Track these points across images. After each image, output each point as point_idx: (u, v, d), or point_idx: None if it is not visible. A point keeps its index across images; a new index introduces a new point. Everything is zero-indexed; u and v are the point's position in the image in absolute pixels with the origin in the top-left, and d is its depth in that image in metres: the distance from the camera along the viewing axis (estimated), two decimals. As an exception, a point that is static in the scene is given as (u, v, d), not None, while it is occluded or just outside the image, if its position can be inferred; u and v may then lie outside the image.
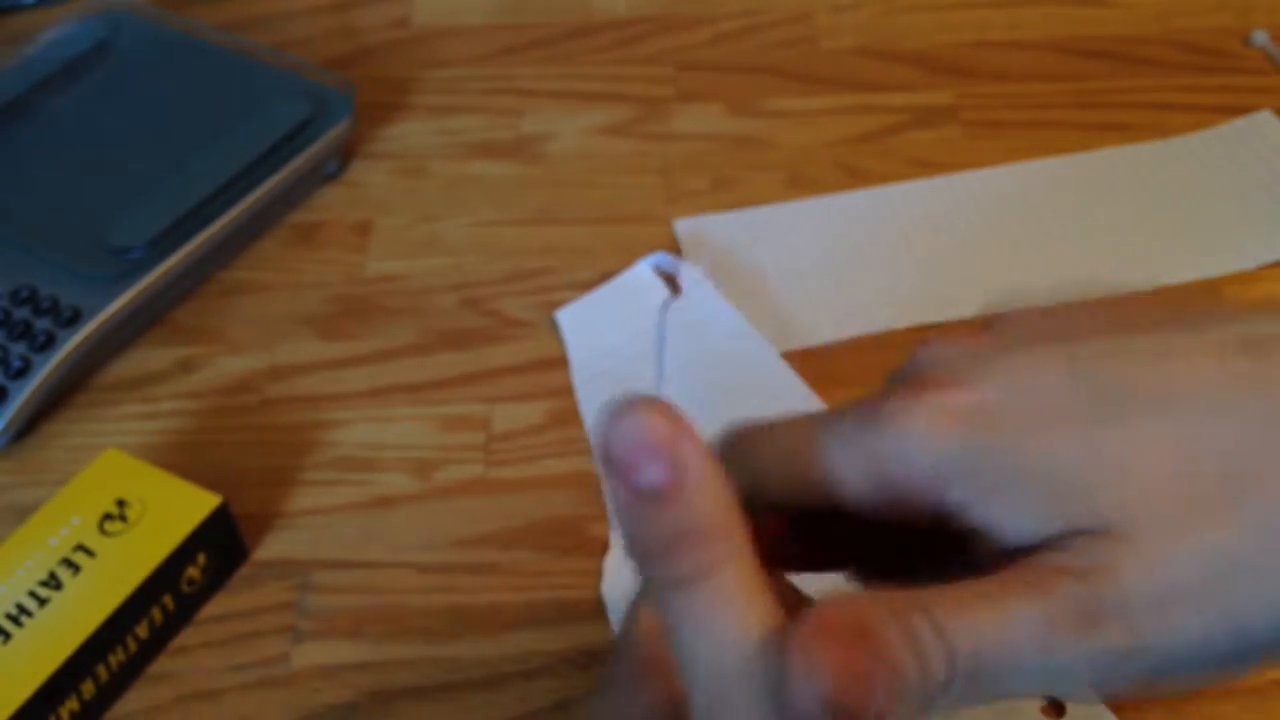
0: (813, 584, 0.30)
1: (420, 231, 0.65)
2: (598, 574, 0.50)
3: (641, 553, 0.25)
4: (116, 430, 0.56)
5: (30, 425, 0.56)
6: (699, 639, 0.25)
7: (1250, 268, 0.60)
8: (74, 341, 0.56)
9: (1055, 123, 0.69)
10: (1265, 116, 0.68)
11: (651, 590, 0.26)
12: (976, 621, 0.25)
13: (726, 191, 0.66)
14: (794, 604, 0.27)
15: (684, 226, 0.64)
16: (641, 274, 0.61)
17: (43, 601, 0.46)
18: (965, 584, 0.26)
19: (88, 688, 0.46)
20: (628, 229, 0.64)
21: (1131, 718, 0.45)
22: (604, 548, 0.51)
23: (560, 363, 0.58)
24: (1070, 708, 0.46)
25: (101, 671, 0.46)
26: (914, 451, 0.27)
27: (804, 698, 0.23)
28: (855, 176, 0.66)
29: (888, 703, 0.24)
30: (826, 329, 0.59)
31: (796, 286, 0.60)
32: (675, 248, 0.63)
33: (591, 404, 0.56)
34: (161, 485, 0.49)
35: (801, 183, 0.66)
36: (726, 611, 0.25)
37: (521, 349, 0.59)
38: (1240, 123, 0.68)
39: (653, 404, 0.24)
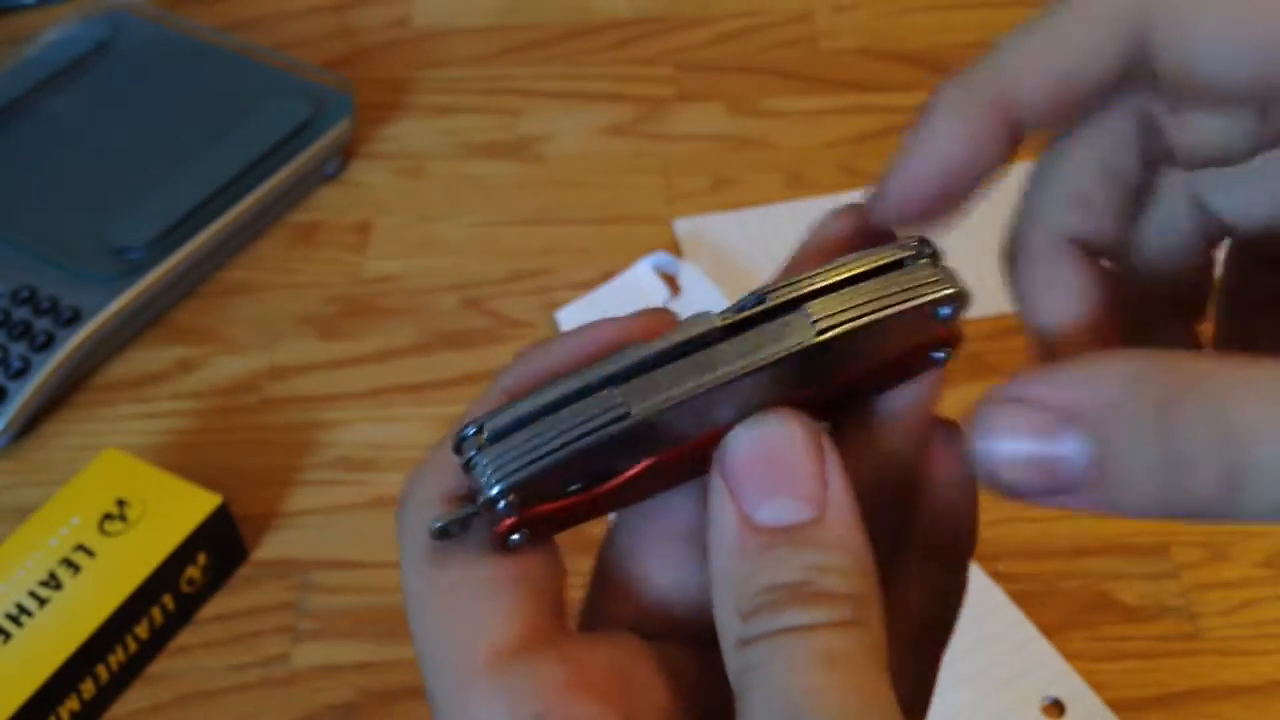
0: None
1: (420, 231, 0.65)
2: (598, 574, 0.50)
3: (742, 595, 0.20)
4: (116, 430, 0.56)
5: (30, 425, 0.56)
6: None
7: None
8: (74, 341, 0.56)
9: (1055, 123, 0.69)
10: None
11: (749, 648, 0.20)
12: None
13: (726, 191, 0.66)
14: None
15: (684, 226, 0.64)
16: (641, 274, 0.61)
17: (43, 601, 0.46)
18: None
19: (88, 688, 0.46)
20: (628, 229, 0.64)
21: (1132, 718, 0.46)
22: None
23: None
24: (1070, 708, 0.46)
25: (101, 671, 0.46)
26: None
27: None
28: (855, 176, 0.66)
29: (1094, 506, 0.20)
30: (826, 329, 0.59)
31: (796, 286, 0.60)
32: (675, 248, 0.63)
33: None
34: (161, 485, 0.49)
35: (801, 183, 0.66)
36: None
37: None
38: (1240, 123, 0.67)
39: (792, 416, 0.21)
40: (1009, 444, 0.20)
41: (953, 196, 0.23)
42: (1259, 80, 0.20)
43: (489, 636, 0.22)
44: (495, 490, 0.21)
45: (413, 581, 0.25)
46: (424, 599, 0.24)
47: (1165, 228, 0.25)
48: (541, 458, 0.21)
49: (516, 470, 0.21)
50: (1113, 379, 0.19)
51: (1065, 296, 0.24)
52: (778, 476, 0.21)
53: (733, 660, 0.20)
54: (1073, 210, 0.24)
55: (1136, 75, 0.22)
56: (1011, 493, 0.21)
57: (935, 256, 0.23)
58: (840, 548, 0.21)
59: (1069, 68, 0.22)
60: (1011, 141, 0.23)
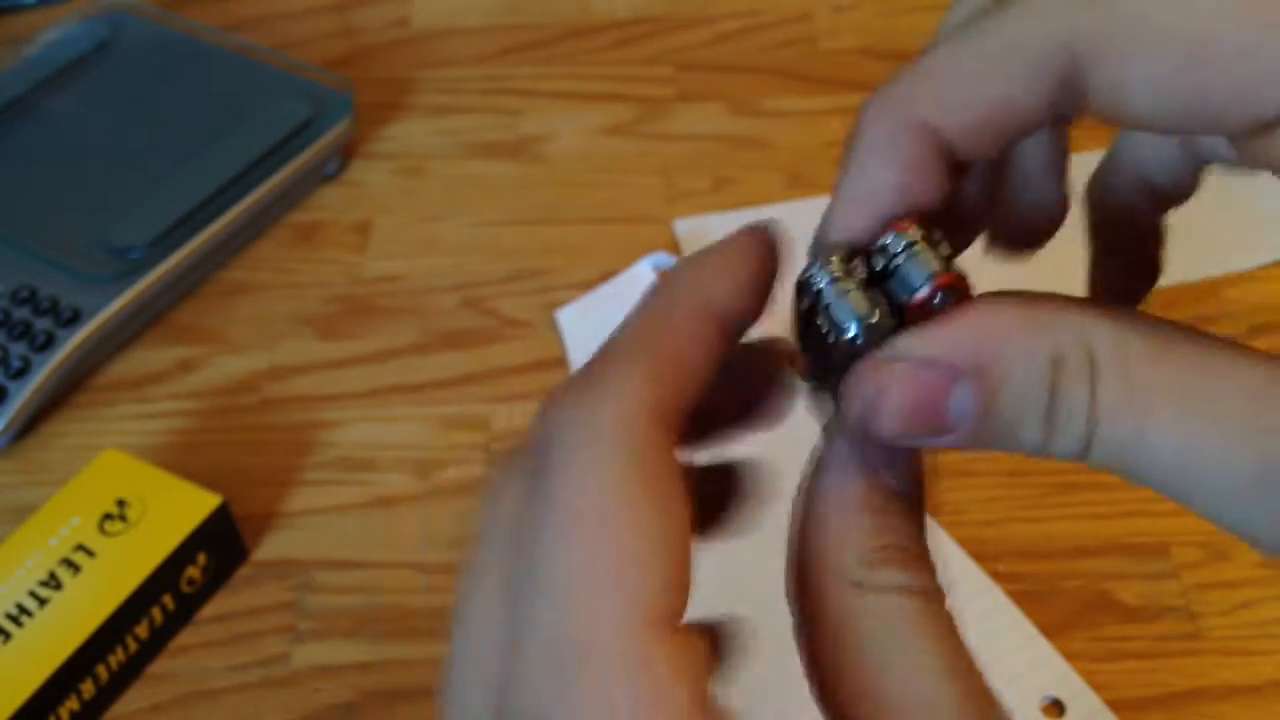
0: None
1: (420, 231, 0.65)
2: (598, 574, 0.50)
3: (863, 544, 0.22)
4: (116, 430, 0.56)
5: (30, 425, 0.56)
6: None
7: (1250, 267, 0.60)
8: (74, 341, 0.56)
9: (1055, 123, 0.69)
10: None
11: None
12: (1155, 438, 0.20)
13: (726, 191, 0.66)
14: None
15: (684, 226, 0.64)
16: (641, 274, 0.61)
17: (43, 601, 0.46)
18: (1177, 338, 0.20)
19: (88, 688, 0.46)
20: (628, 229, 0.64)
21: (1132, 718, 0.46)
22: (604, 548, 0.51)
23: (560, 363, 0.58)
24: (1070, 708, 0.46)
25: (101, 671, 0.46)
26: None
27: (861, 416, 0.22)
28: (855, 176, 0.66)
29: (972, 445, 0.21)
30: (826, 329, 0.59)
31: (796, 286, 0.60)
32: (675, 248, 0.63)
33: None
34: (161, 485, 0.49)
35: (801, 183, 0.66)
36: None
37: (521, 349, 0.59)
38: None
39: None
40: (897, 400, 0.21)
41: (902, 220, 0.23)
42: (1188, 122, 0.21)
43: (668, 592, 0.20)
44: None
45: (587, 484, 0.20)
46: (603, 515, 0.20)
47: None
48: None
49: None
50: (1002, 333, 0.21)
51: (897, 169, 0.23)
52: (903, 443, 0.22)
53: (845, 599, 0.22)
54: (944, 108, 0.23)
55: (1066, 111, 0.22)
56: (890, 439, 0.22)
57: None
58: (925, 526, 0.23)
59: (1001, 106, 0.22)
60: (948, 172, 0.22)
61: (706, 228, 0.64)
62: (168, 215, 0.61)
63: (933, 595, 0.22)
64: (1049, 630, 0.47)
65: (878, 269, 0.23)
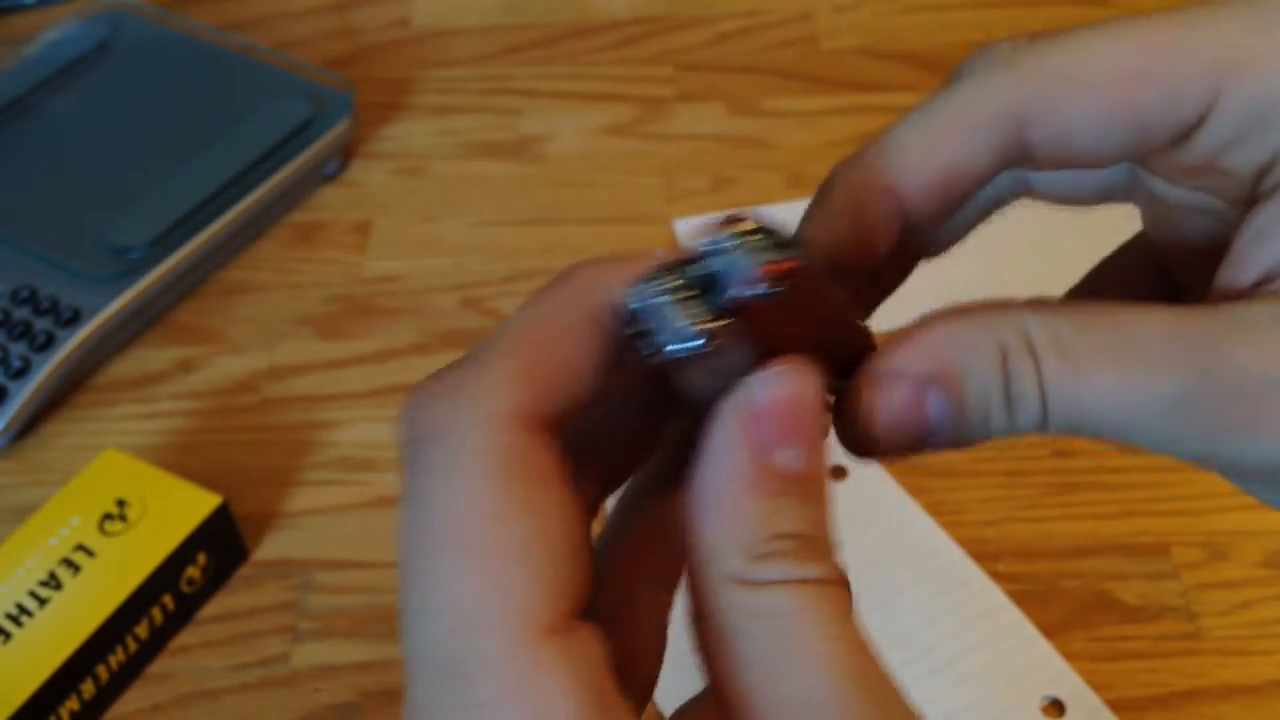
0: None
1: (420, 231, 0.65)
2: (598, 574, 0.50)
3: (752, 535, 0.21)
4: (116, 430, 0.56)
5: (30, 425, 0.56)
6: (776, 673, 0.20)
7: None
8: (74, 341, 0.56)
9: (1055, 123, 0.69)
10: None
11: (728, 602, 0.21)
12: (1093, 390, 0.22)
13: (726, 191, 0.66)
14: None
15: (684, 226, 0.64)
16: (641, 274, 0.61)
17: (43, 601, 0.46)
18: (1094, 311, 0.23)
19: (88, 688, 0.46)
20: (628, 229, 0.64)
21: (1132, 718, 0.46)
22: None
23: (560, 363, 0.58)
24: (1070, 708, 0.46)
25: (101, 671, 0.46)
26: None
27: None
28: (855, 176, 0.66)
29: (944, 440, 0.23)
30: (826, 329, 0.59)
31: (796, 286, 0.60)
32: (675, 248, 0.63)
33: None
34: (161, 485, 0.49)
35: (801, 183, 0.66)
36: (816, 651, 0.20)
37: (521, 349, 0.59)
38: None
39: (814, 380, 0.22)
40: (884, 417, 0.23)
41: (856, 268, 0.26)
42: (1130, 148, 0.24)
43: (549, 596, 0.20)
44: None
45: (452, 491, 0.20)
46: (469, 523, 0.20)
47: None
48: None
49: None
50: (955, 339, 0.23)
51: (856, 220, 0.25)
52: (799, 425, 0.22)
53: (727, 596, 0.21)
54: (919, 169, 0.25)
55: (1013, 161, 0.25)
56: (883, 453, 0.24)
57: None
58: (828, 507, 0.22)
59: (952, 164, 0.25)
60: (898, 227, 0.25)
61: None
62: (168, 215, 0.61)
63: (830, 584, 0.21)
64: (1049, 630, 0.47)
65: (711, 271, 0.21)
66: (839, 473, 0.50)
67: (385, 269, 0.63)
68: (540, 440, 0.21)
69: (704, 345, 0.20)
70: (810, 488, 0.22)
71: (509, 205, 0.66)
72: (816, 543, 0.21)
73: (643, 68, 0.74)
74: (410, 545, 0.21)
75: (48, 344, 0.56)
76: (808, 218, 0.26)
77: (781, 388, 0.22)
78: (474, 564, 0.20)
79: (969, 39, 0.74)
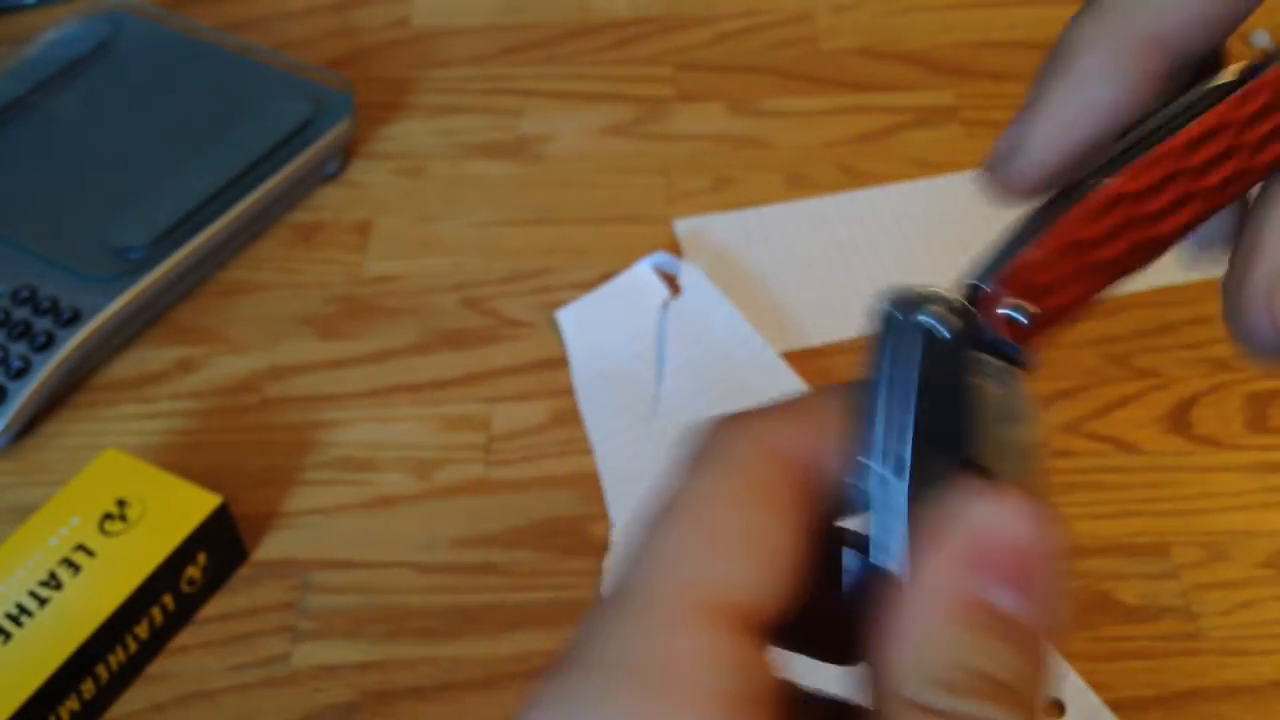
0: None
1: (420, 231, 0.65)
2: (598, 574, 0.50)
3: (944, 660, 0.19)
4: (116, 430, 0.56)
5: (30, 425, 0.56)
6: None
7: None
8: (74, 341, 0.56)
9: (1055, 123, 0.69)
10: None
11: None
12: None
13: (726, 191, 0.66)
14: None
15: (684, 226, 0.64)
16: (641, 274, 0.61)
17: (43, 601, 0.46)
18: None
19: (88, 688, 0.46)
20: (628, 229, 0.64)
21: (1132, 718, 0.46)
22: (604, 548, 0.51)
23: (560, 363, 0.58)
24: (1070, 708, 0.46)
25: (101, 671, 0.46)
26: None
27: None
28: (855, 176, 0.66)
29: None
30: (826, 329, 0.59)
31: (796, 286, 0.60)
32: (675, 248, 0.63)
33: (592, 404, 0.56)
34: (161, 485, 0.49)
35: (801, 183, 0.66)
36: None
37: (521, 349, 0.59)
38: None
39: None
40: None
41: (1095, 149, 0.22)
42: None
43: (738, 586, 0.20)
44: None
45: (689, 474, 0.22)
46: (690, 495, 0.21)
47: None
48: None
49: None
50: None
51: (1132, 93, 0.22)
52: (1025, 572, 0.20)
53: (901, 713, 0.20)
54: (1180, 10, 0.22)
55: None
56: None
57: None
58: (1044, 673, 0.20)
59: None
60: (1167, 79, 0.22)
61: (706, 228, 0.64)
62: (168, 215, 0.61)
63: None
64: (1049, 630, 0.47)
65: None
66: (1056, 709, 0.47)
67: (385, 269, 0.63)
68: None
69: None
70: (1026, 640, 0.20)
71: (509, 205, 0.66)
72: (1021, 699, 0.19)
73: (643, 68, 0.74)
74: (657, 509, 0.22)
75: (48, 344, 0.56)
76: (1055, 85, 0.23)
77: (1016, 528, 0.20)
78: (697, 532, 0.21)
79: (969, 39, 0.74)
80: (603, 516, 0.52)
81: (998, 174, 0.24)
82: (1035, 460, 0.21)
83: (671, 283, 0.61)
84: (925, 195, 0.65)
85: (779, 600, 0.21)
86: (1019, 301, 0.22)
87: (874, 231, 0.63)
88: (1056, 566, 0.20)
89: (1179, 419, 0.55)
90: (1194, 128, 0.22)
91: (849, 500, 0.22)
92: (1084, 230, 0.22)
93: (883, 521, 0.21)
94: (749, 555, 0.20)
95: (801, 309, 0.59)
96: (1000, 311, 0.21)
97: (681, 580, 0.20)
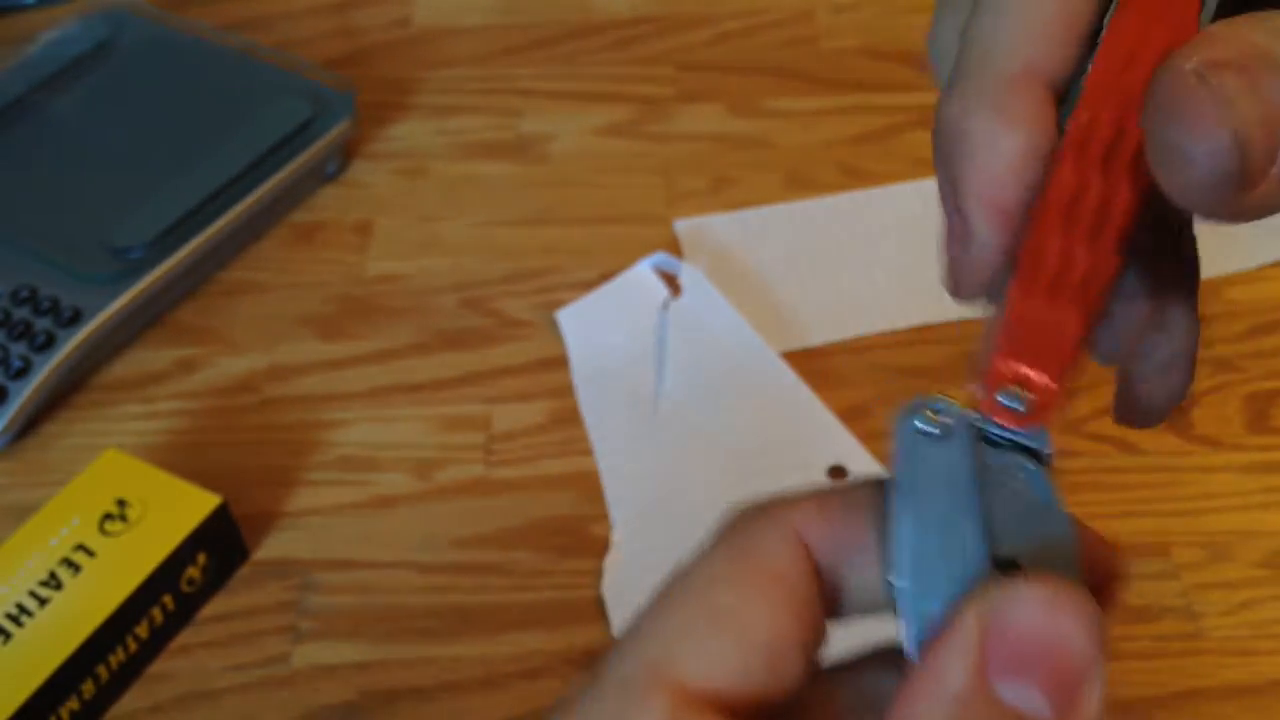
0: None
1: (420, 231, 0.65)
2: (598, 574, 0.50)
3: None
4: (116, 430, 0.56)
5: (30, 425, 0.56)
6: None
7: (1251, 267, 0.60)
8: (74, 341, 0.56)
9: (1055, 123, 0.69)
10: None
11: None
12: None
13: (726, 191, 0.66)
14: None
15: (684, 226, 0.64)
16: (641, 274, 0.61)
17: (43, 601, 0.46)
18: None
19: (88, 688, 0.46)
20: (628, 229, 0.64)
21: (1132, 718, 0.46)
22: (604, 548, 0.51)
23: (560, 363, 0.58)
24: (852, 473, 0.48)
25: (101, 671, 0.46)
26: None
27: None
28: (855, 176, 0.66)
29: None
30: (826, 329, 0.59)
31: (796, 286, 0.60)
32: (675, 248, 0.63)
33: (592, 404, 0.56)
34: (161, 485, 0.49)
35: (801, 183, 0.66)
36: None
37: (521, 349, 0.59)
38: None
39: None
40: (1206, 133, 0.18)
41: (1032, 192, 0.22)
42: None
43: (708, 666, 0.20)
44: None
45: (704, 553, 0.22)
46: (696, 574, 0.22)
47: None
48: None
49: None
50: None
51: (1026, 136, 0.22)
52: (1046, 665, 0.18)
53: None
54: (1033, 41, 0.22)
55: None
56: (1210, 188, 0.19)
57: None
58: None
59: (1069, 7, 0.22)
60: (1059, 103, 0.22)
61: (706, 228, 0.64)
62: (168, 215, 0.61)
63: None
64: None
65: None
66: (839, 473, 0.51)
67: (385, 269, 0.63)
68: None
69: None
70: None
71: (509, 205, 0.66)
72: None
73: (643, 68, 0.74)
74: (666, 584, 0.22)
75: (48, 344, 0.56)
76: (961, 188, 0.22)
77: (1038, 618, 0.18)
78: (693, 611, 0.21)
79: (969, 39, 0.74)
80: (603, 516, 0.52)
81: (962, 281, 0.23)
82: (1068, 550, 0.21)
83: (671, 283, 0.61)
84: (925, 195, 0.65)
85: (766, 687, 0.21)
86: (1010, 388, 0.22)
87: (874, 231, 0.63)
88: (1089, 660, 0.18)
89: (1179, 419, 0.55)
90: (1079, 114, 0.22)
91: (868, 592, 0.22)
92: (1037, 284, 0.21)
93: (907, 615, 0.21)
94: (738, 639, 0.21)
95: (801, 309, 0.59)
96: (999, 402, 0.21)
97: (658, 658, 0.21)
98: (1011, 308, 0.22)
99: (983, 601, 0.19)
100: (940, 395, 0.22)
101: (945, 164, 0.23)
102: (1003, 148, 0.22)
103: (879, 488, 0.22)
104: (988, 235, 0.22)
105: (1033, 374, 0.22)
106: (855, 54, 0.74)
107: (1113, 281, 0.22)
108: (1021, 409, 0.22)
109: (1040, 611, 0.18)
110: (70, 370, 0.57)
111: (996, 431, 0.22)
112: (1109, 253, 0.22)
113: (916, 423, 0.22)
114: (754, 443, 0.54)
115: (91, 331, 0.57)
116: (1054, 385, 0.22)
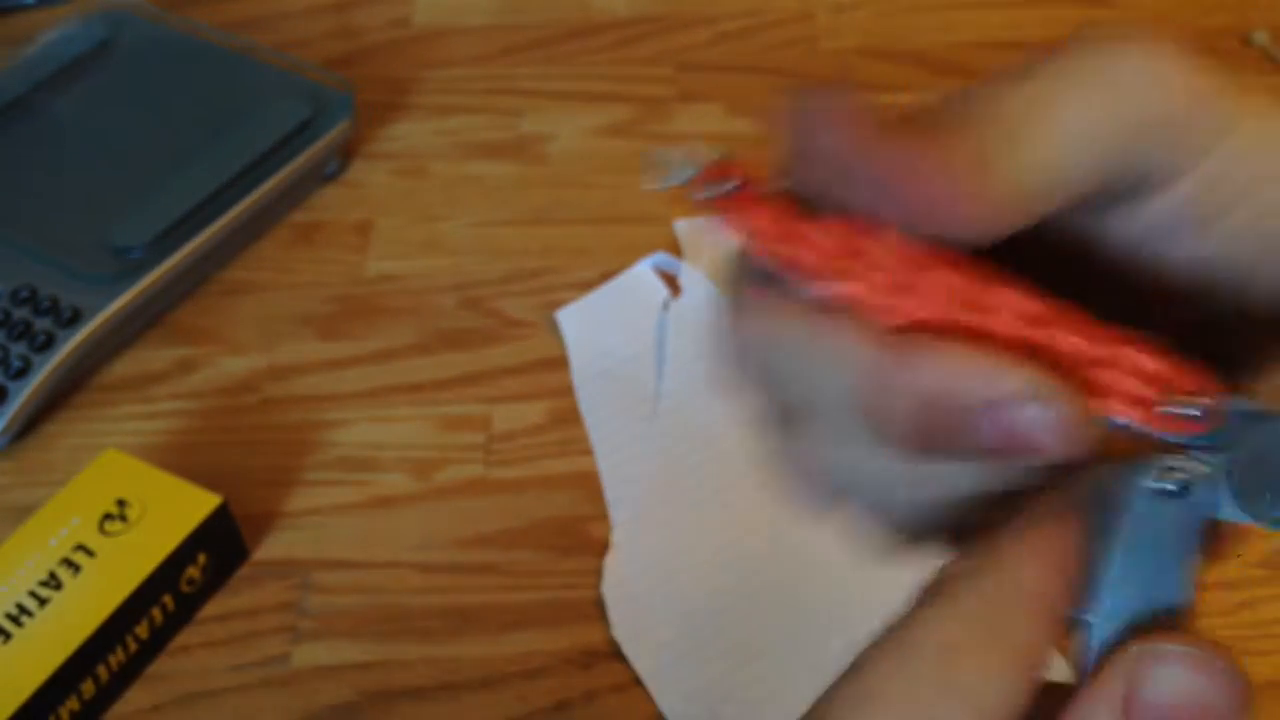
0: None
1: (420, 231, 0.65)
2: (598, 574, 0.50)
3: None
4: (116, 430, 0.56)
5: (30, 425, 0.56)
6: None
7: None
8: (74, 342, 0.56)
9: (1055, 123, 0.69)
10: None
11: None
12: None
13: (726, 191, 0.66)
14: None
15: (684, 226, 0.64)
16: (641, 274, 0.61)
17: (43, 601, 0.46)
18: None
19: (88, 688, 0.46)
20: (628, 229, 0.64)
21: (1131, 718, 0.46)
22: (604, 548, 0.51)
23: (560, 363, 0.58)
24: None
25: (101, 671, 0.46)
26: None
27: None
28: (855, 176, 0.66)
29: None
30: (826, 329, 0.59)
31: (796, 286, 0.60)
32: (675, 248, 0.63)
33: (592, 404, 0.56)
34: (161, 485, 0.49)
35: (801, 183, 0.66)
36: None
37: (521, 349, 0.59)
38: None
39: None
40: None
41: None
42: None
43: None
44: None
45: (928, 608, 0.21)
46: (925, 635, 0.20)
47: None
48: None
49: None
50: None
51: None
52: None
53: None
54: None
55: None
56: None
57: None
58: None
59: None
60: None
61: (706, 228, 0.64)
62: (168, 215, 0.61)
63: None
64: (1049, 630, 0.47)
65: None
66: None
67: (385, 269, 0.63)
68: None
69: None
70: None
71: (509, 205, 0.66)
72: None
73: (643, 68, 0.74)
74: (888, 637, 0.21)
75: (48, 344, 0.56)
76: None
77: (1194, 684, 0.18)
78: (919, 678, 0.20)
79: (969, 39, 0.74)
80: (603, 516, 0.52)
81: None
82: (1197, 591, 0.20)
83: (671, 283, 0.61)
84: (925, 195, 0.65)
85: None
86: (1169, 396, 0.20)
87: (874, 231, 0.63)
88: None
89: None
90: None
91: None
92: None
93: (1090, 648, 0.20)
94: (964, 713, 0.19)
95: (801, 309, 0.59)
96: (1171, 414, 0.20)
97: None
98: (1074, 357, 0.20)
99: (1127, 659, 0.18)
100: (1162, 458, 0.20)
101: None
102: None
103: (1068, 520, 0.21)
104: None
105: (1162, 372, 0.20)
106: (855, 54, 0.74)
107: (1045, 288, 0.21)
108: (1196, 413, 0.20)
109: (1186, 675, 0.18)
110: (70, 370, 0.57)
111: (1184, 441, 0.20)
112: (1022, 291, 0.21)
113: (1151, 482, 0.20)
114: (754, 442, 0.54)
115: (91, 331, 0.57)
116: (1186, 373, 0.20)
